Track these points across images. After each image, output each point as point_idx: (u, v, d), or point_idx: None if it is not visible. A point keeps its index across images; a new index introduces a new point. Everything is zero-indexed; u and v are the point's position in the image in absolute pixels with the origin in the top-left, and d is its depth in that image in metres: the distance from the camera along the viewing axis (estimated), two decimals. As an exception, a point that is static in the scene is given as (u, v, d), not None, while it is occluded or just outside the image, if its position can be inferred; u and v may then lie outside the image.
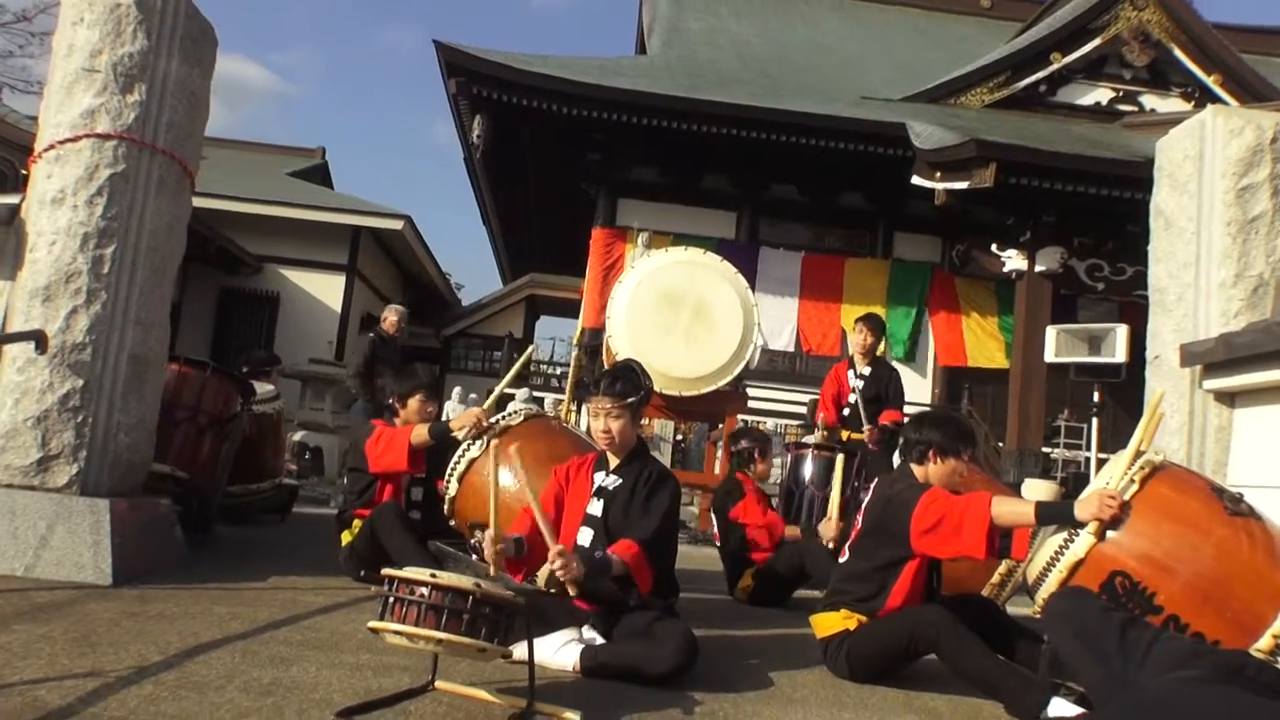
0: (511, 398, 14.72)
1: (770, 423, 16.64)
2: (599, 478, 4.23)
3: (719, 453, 10.17)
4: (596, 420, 4.19)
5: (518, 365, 6.27)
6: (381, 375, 10.60)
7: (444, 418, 13.81)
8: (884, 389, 8.42)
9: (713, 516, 6.73)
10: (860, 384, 8.38)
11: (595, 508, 4.15)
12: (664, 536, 4.14)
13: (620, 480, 4.17)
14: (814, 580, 5.90)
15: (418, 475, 5.49)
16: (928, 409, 5.95)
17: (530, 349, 8.29)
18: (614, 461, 4.23)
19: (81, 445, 4.78)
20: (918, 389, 17.05)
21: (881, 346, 8.88)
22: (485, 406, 5.30)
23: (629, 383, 4.19)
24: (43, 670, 3.10)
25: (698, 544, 9.17)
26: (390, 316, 11.87)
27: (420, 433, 5.26)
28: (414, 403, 5.60)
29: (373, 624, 2.96)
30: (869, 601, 4.01)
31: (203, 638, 3.71)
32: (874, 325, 8.53)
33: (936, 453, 4.13)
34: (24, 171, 5.50)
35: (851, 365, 8.57)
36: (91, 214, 4.83)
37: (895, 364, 9.19)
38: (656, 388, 7.82)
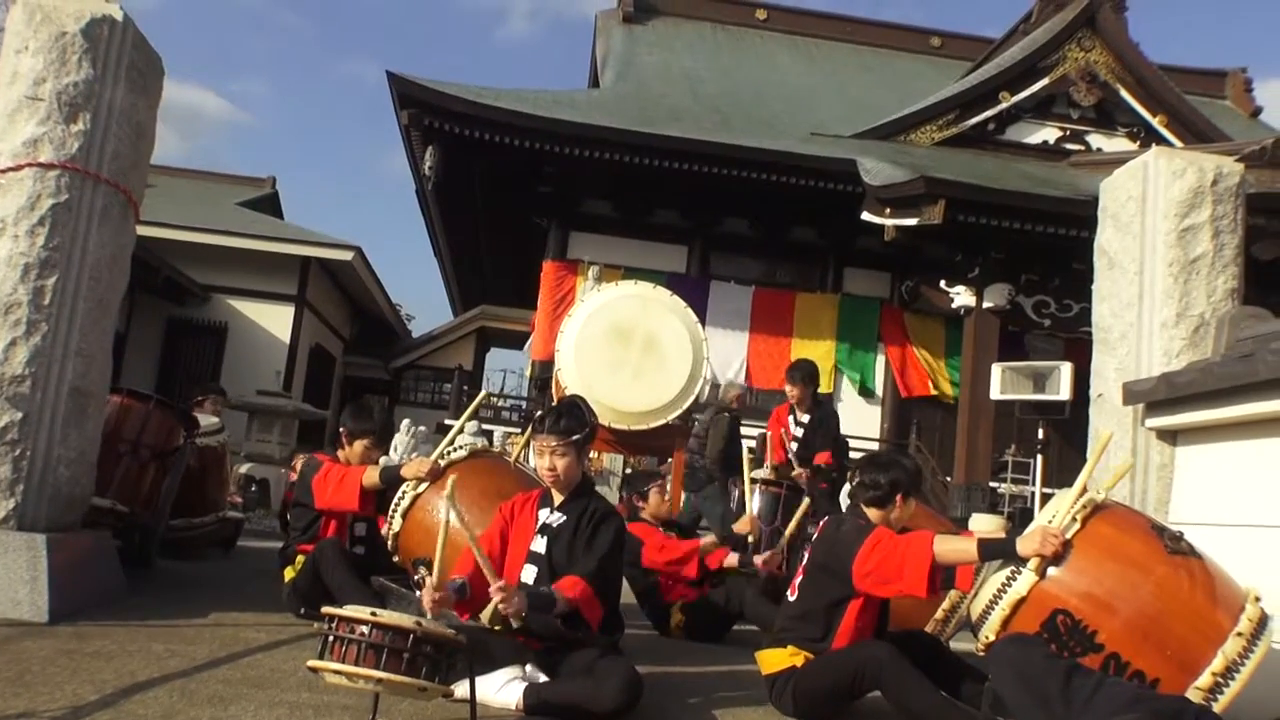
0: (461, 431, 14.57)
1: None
2: (543, 514, 4.21)
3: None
4: (541, 458, 4.17)
5: (468, 412, 6.24)
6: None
7: (393, 448, 13.73)
8: (815, 433, 8.45)
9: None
10: (800, 430, 8.43)
11: (539, 545, 4.12)
12: (609, 572, 4.13)
13: (564, 517, 4.15)
14: (750, 620, 5.88)
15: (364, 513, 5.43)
16: (876, 451, 5.91)
17: (480, 396, 8.20)
18: (558, 498, 4.21)
19: (19, 479, 4.69)
20: (868, 423, 17.17)
21: (828, 384, 8.91)
22: (435, 456, 5.26)
23: (573, 419, 4.17)
24: (-27, 710, 3.04)
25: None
26: (736, 392, 11.21)
27: (372, 475, 5.20)
28: (359, 446, 5.57)
29: (312, 663, 2.94)
30: (817, 642, 4.01)
31: (140, 676, 3.66)
32: (800, 377, 8.52)
33: (872, 501, 4.16)
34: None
35: (792, 411, 8.62)
36: (33, 244, 4.77)
37: (846, 398, 9.20)
38: (605, 422, 7.79)
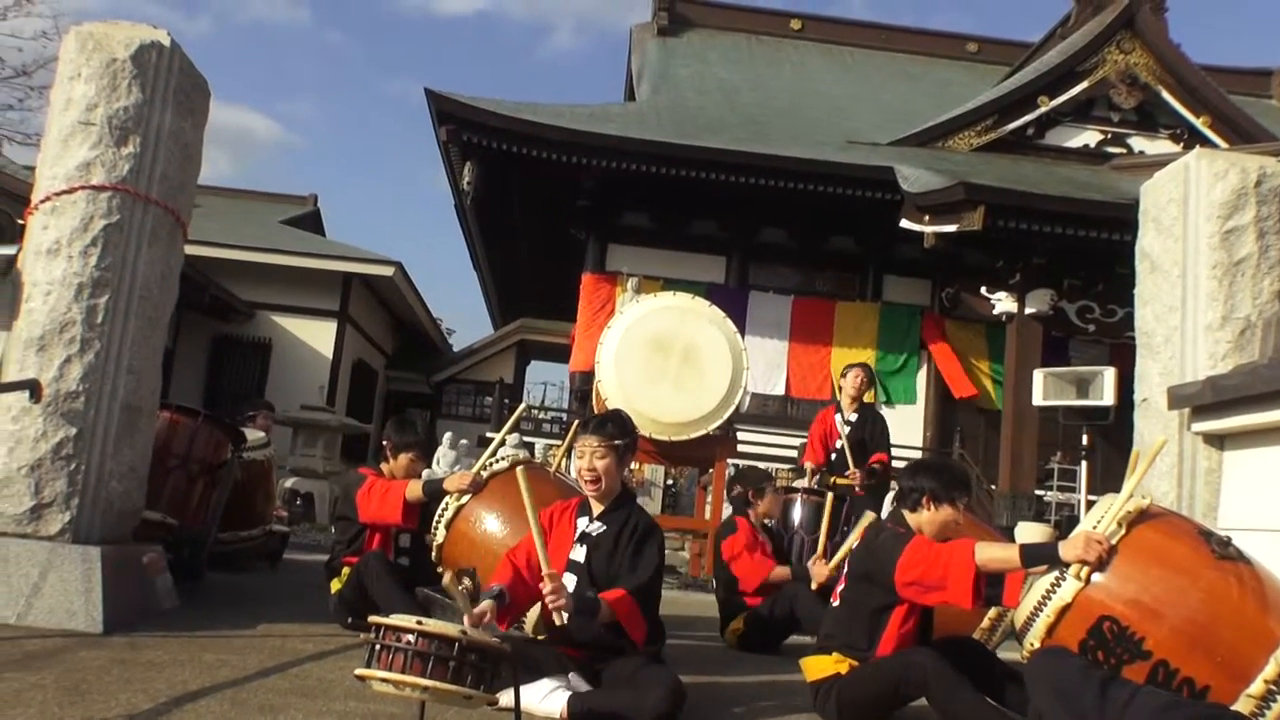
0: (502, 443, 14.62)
1: (761, 467, 16.61)
2: (582, 523, 4.21)
3: (709, 497, 10.14)
4: (581, 459, 4.18)
5: (509, 424, 6.28)
6: None
7: (435, 461, 13.80)
8: (869, 433, 8.45)
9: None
10: (847, 429, 8.41)
11: (578, 554, 4.13)
12: (654, 590, 4.15)
13: (605, 527, 4.15)
14: (805, 625, 5.88)
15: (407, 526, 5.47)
16: (923, 456, 5.92)
17: (521, 407, 8.24)
18: (598, 508, 4.22)
19: (74, 493, 4.79)
20: (910, 431, 17.04)
21: (869, 393, 8.93)
22: (477, 468, 5.30)
23: (618, 426, 4.21)
24: (33, 719, 3.09)
25: (688, 589, 9.15)
26: None
27: (415, 489, 5.22)
28: (404, 459, 5.63)
29: (359, 671, 2.97)
30: (861, 650, 4.00)
31: (192, 686, 3.71)
32: (868, 372, 8.60)
33: (930, 500, 4.09)
34: (21, 223, 5.54)
35: (838, 410, 8.61)
36: (86, 264, 4.87)
37: (886, 408, 9.23)
38: (646, 433, 7.81)
